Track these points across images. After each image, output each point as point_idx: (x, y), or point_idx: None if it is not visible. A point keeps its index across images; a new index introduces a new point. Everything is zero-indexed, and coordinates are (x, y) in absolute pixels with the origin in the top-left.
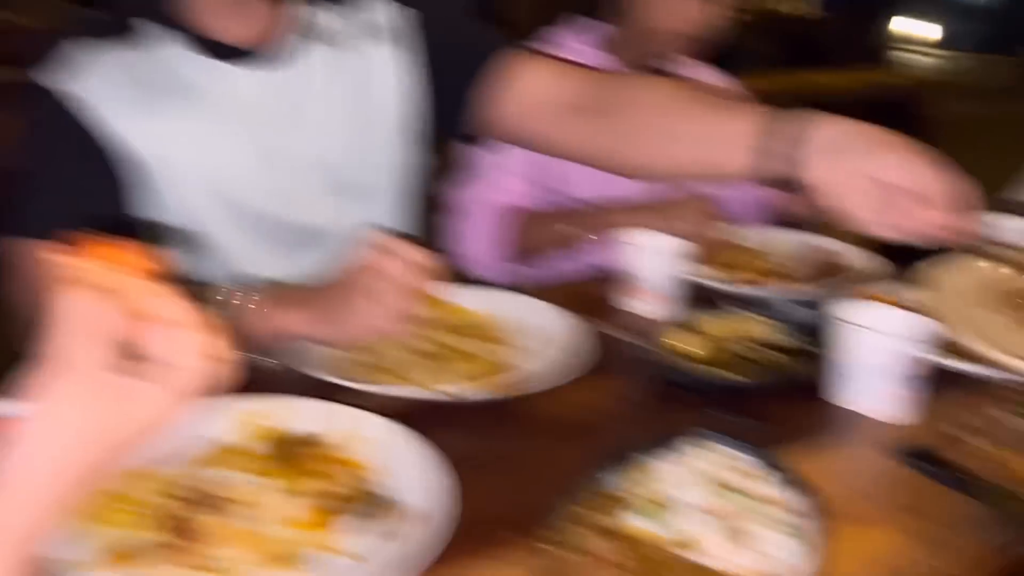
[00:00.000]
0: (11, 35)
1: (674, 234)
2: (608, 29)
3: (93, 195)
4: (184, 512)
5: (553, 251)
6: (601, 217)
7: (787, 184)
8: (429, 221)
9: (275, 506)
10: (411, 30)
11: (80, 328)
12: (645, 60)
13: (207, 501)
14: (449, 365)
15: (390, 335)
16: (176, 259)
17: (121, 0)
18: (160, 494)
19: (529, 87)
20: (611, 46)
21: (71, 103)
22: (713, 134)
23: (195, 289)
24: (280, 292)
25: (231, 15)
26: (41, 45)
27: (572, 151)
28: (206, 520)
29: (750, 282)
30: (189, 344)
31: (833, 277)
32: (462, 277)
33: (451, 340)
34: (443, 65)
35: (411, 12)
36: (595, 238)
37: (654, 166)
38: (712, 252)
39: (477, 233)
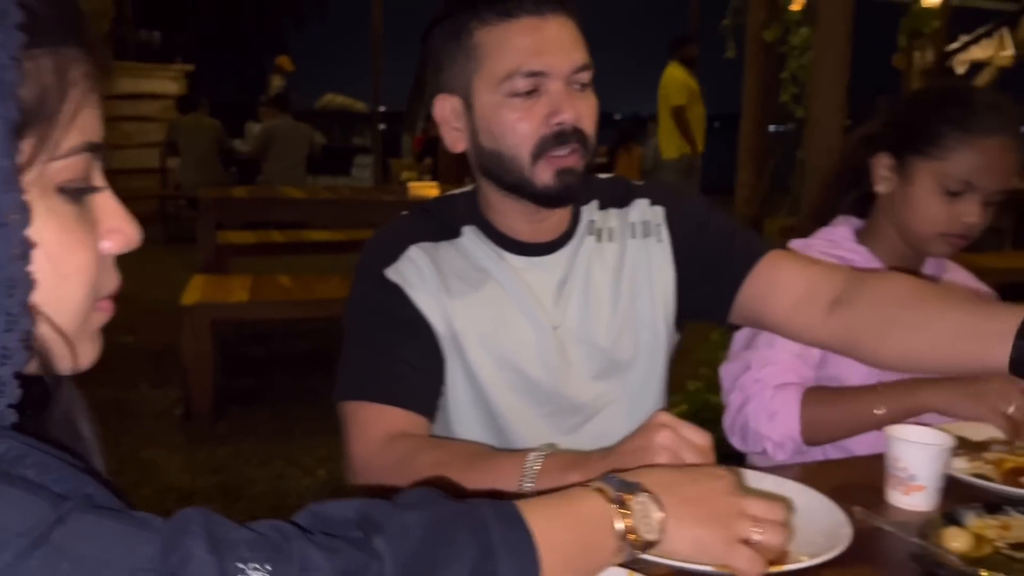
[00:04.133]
0: None
1: (979, 414)
2: (873, 224)
3: (412, 362)
4: None
5: (844, 431)
6: (905, 392)
7: None
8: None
9: None
10: (661, 224)
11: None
12: (903, 258)
13: None
14: None
15: None
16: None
17: (462, 213)
18: None
19: (791, 286)
20: (872, 241)
21: (393, 285)
22: (970, 330)
23: None
24: (576, 457)
25: (539, 222)
26: (381, 240)
27: (831, 344)
28: None
29: None
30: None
31: None
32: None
33: None
34: (698, 258)
35: (660, 208)
36: (880, 412)
37: (907, 358)
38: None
39: (761, 413)
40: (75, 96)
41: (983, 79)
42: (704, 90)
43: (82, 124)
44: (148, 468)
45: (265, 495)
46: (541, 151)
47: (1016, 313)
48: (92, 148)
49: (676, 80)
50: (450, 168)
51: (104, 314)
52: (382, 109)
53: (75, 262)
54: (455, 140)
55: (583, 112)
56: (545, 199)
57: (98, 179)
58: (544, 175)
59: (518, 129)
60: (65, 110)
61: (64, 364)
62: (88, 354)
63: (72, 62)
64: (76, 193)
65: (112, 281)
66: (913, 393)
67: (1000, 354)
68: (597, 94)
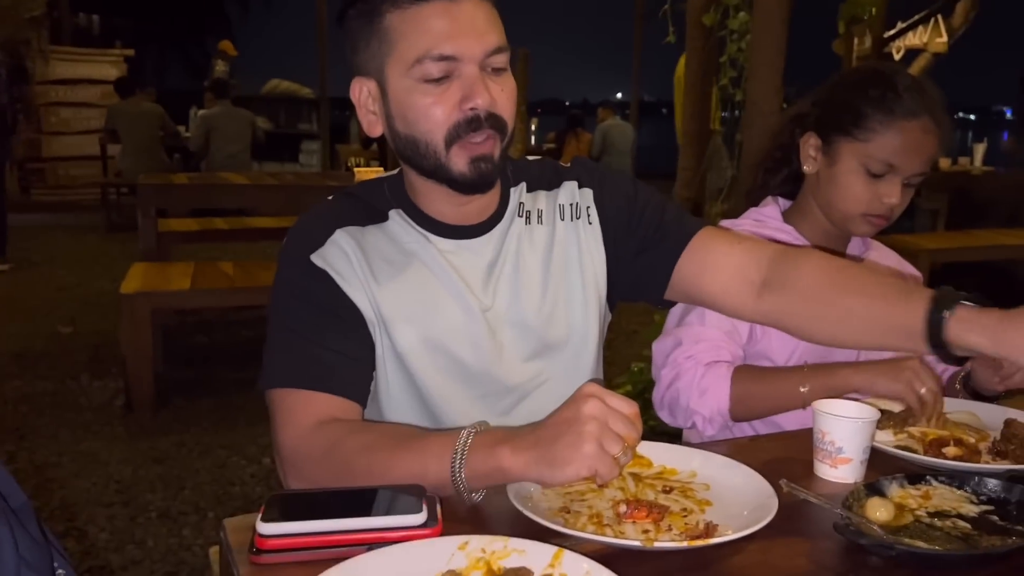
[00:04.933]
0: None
1: (896, 391)
2: (799, 204)
3: (340, 348)
4: None
5: (770, 407)
6: (829, 372)
7: (963, 359)
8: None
9: None
10: (591, 206)
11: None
12: (828, 237)
13: None
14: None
15: (607, 481)
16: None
17: (388, 197)
18: None
19: (721, 268)
20: (799, 220)
21: (319, 271)
22: (887, 325)
23: None
24: (506, 433)
25: (464, 205)
26: (306, 225)
27: (765, 323)
28: None
29: (953, 455)
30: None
31: None
32: (668, 433)
33: (651, 495)
34: (628, 240)
35: (588, 191)
36: (804, 390)
37: (834, 342)
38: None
39: (692, 389)
40: None
41: (918, 65)
42: (656, 75)
43: None
44: (89, 460)
45: (209, 484)
46: (455, 137)
47: (924, 299)
48: None
49: None
50: None
51: None
52: (329, 95)
53: None
54: (371, 124)
55: (498, 97)
56: (461, 185)
57: None
58: (459, 162)
59: (431, 115)
60: None
61: None
62: None
63: None
64: None
65: None
66: (836, 373)
67: (918, 347)
68: (550, 82)
